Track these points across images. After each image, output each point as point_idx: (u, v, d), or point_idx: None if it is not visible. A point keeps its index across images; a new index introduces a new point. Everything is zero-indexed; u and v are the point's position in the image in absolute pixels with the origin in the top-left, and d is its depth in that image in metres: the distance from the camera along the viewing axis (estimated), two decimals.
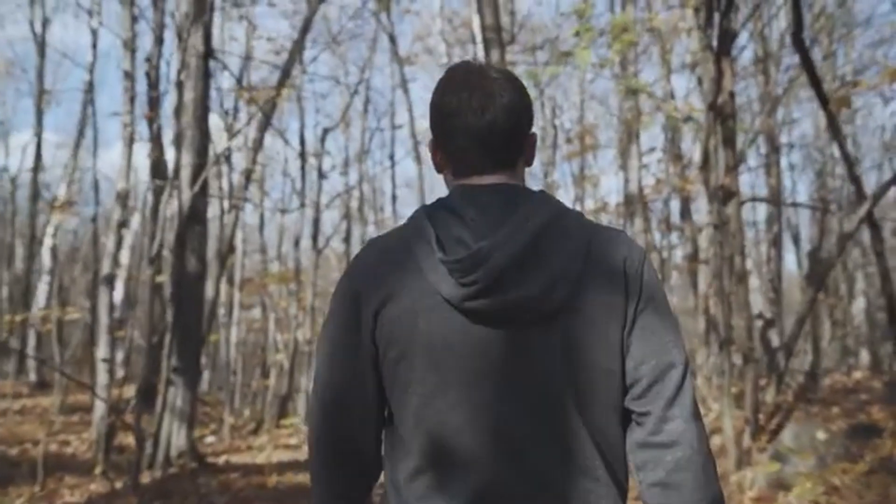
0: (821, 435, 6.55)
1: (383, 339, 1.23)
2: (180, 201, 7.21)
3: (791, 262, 28.41)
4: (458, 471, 1.20)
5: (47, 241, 16.40)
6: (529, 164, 1.36)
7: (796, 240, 21.27)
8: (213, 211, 21.17)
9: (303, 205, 15.28)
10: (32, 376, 16.24)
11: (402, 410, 1.24)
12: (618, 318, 1.23)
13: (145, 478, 6.85)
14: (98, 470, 6.42)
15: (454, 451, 1.19)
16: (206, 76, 7.56)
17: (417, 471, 1.23)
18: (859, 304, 20.52)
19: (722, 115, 7.80)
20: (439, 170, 1.38)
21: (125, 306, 15.77)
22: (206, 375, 23.69)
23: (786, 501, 6.16)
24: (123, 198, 9.10)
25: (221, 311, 16.29)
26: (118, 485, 6.28)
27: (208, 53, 7.48)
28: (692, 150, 16.47)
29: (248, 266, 28.17)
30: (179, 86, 7.26)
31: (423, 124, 33.34)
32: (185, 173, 7.37)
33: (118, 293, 15.90)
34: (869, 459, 6.12)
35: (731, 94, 7.79)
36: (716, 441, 8.58)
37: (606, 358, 1.22)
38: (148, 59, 8.54)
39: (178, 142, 7.47)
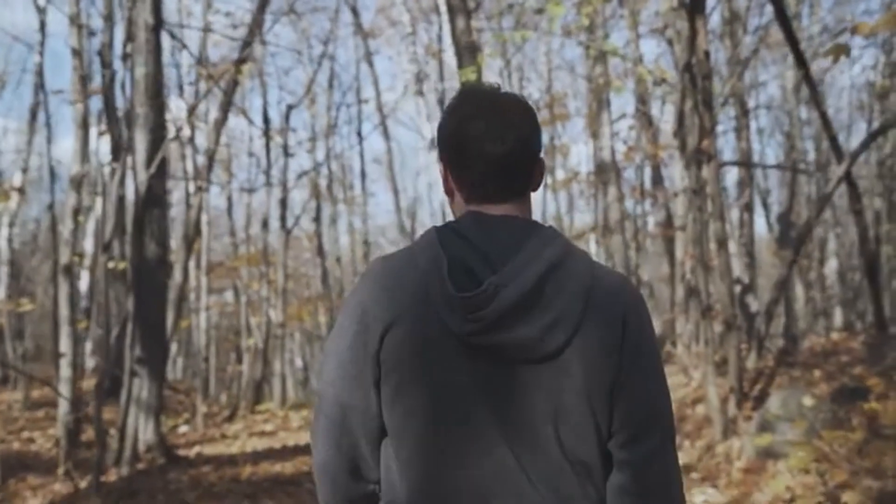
0: (807, 401, 6.40)
1: (387, 361, 1.24)
2: (136, 184, 6.84)
3: (760, 226, 28.49)
4: (443, 497, 1.22)
5: (3, 232, 15.86)
6: (536, 189, 1.38)
7: (765, 204, 21.32)
8: (179, 195, 20.75)
9: (269, 183, 14.88)
10: None
11: (399, 434, 1.25)
12: (611, 365, 1.25)
13: (112, 476, 6.54)
14: (61, 470, 6.10)
15: (446, 479, 1.22)
16: (157, 50, 7.15)
17: (407, 487, 1.24)
18: (831, 266, 20.61)
19: (698, 75, 7.57)
20: (450, 194, 1.38)
21: (91, 296, 15.35)
22: (179, 362, 23.34)
23: (776, 470, 6.02)
24: (78, 182, 8.67)
25: (193, 296, 15.86)
26: (83, 484, 5.97)
27: (158, 25, 7.06)
28: (663, 116, 16.33)
29: (219, 249, 27.74)
30: (125, 59, 6.83)
31: (390, 97, 32.84)
32: (140, 154, 6.99)
33: (83, 282, 15.49)
34: (857, 423, 6.00)
35: (706, 54, 7.54)
36: (699, 411, 8.46)
37: (597, 403, 1.24)
38: (92, 34, 8.05)
39: (129, 121, 7.08)
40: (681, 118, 8.41)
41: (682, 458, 7.01)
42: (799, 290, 19.75)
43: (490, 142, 1.28)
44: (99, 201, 13.73)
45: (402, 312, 1.23)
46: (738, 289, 11.26)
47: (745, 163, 12.90)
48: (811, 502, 4.98)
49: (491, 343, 1.21)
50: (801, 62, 7.54)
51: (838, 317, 20.31)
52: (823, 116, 7.94)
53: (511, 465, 1.21)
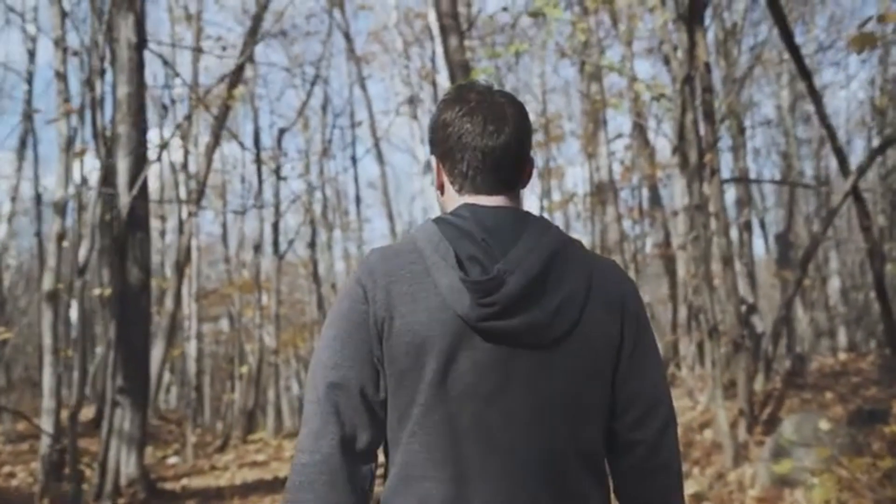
0: (823, 425, 6.10)
1: (393, 347, 1.25)
2: (117, 207, 6.57)
3: (758, 247, 28.28)
4: (453, 479, 1.23)
5: None
6: (525, 185, 1.41)
7: (763, 224, 21.10)
8: (173, 222, 20.46)
9: (260, 206, 14.59)
10: None
11: (404, 417, 1.26)
12: (613, 347, 1.30)
13: None
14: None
15: (451, 460, 1.23)
16: (139, 68, 6.90)
17: (412, 475, 1.25)
18: (834, 285, 20.34)
19: (698, 87, 7.35)
20: (441, 188, 1.41)
21: (81, 324, 15.01)
22: (174, 391, 22.92)
23: (793, 500, 5.70)
24: (61, 208, 8.37)
25: (187, 323, 15.52)
26: None
27: (141, 43, 6.82)
28: (657, 136, 16.12)
29: (214, 277, 27.44)
30: (101, 76, 6.57)
31: (384, 121, 32.66)
32: (122, 176, 6.72)
33: (73, 311, 15.15)
34: (878, 448, 5.68)
35: (706, 65, 7.33)
36: (707, 435, 8.12)
37: (600, 385, 1.29)
38: (76, 53, 7.80)
39: (111, 142, 6.82)
40: (681, 133, 8.17)
41: (692, 487, 6.67)
42: (800, 310, 19.43)
43: (486, 135, 1.32)
44: (88, 229, 13.48)
45: (406, 298, 1.25)
46: (742, 308, 10.98)
47: (749, 178, 12.66)
48: None
49: (501, 328, 1.23)
50: (804, 73, 7.31)
51: (842, 337, 20.01)
52: (829, 128, 7.69)
53: (513, 445, 1.24)
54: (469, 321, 1.22)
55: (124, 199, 6.58)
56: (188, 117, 8.69)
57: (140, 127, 6.88)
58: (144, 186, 6.86)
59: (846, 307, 20.68)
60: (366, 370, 1.26)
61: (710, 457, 7.47)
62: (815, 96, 7.69)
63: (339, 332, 1.28)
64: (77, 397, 6.36)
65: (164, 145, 7.94)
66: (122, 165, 6.75)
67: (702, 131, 7.36)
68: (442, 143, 1.36)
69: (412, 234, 1.32)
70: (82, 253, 6.57)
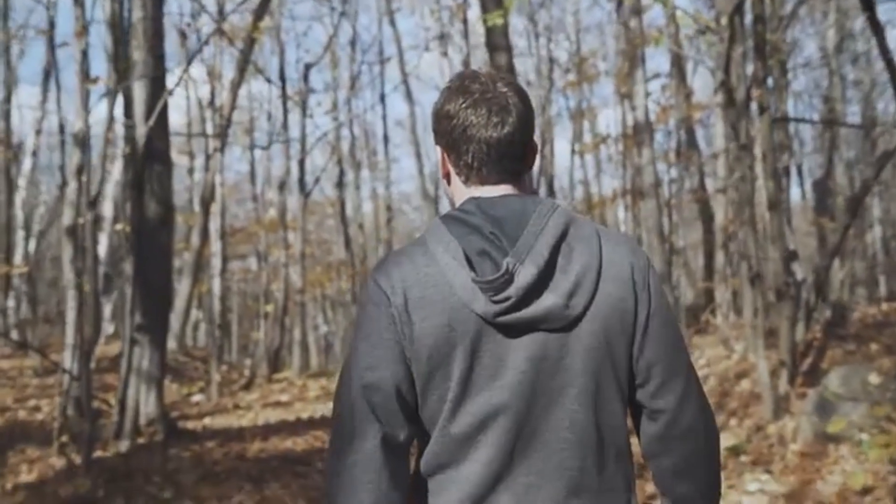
0: (873, 378, 5.77)
1: (417, 351, 1.27)
2: (135, 138, 6.30)
3: (794, 194, 27.51)
4: (484, 467, 1.27)
5: (20, 195, 15.52)
6: (530, 169, 1.44)
7: (798, 170, 20.42)
8: (201, 160, 20.26)
9: (285, 141, 14.27)
10: (15, 335, 15.48)
11: (436, 413, 1.30)
12: (629, 320, 1.32)
13: (112, 449, 6.08)
14: (55, 445, 5.65)
15: (483, 445, 1.27)
16: None
17: (443, 466, 1.30)
18: (875, 233, 19.73)
19: (747, 18, 6.85)
20: (447, 177, 1.43)
21: (111, 260, 14.98)
22: (202, 328, 23.07)
23: (838, 455, 5.40)
24: (81, 140, 8.10)
25: (213, 261, 15.41)
26: (78, 460, 5.51)
27: None
28: (696, 75, 15.43)
29: (241, 215, 27.39)
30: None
31: (413, 57, 31.98)
32: (139, 106, 6.43)
33: (102, 247, 15.12)
34: None
35: None
36: (744, 386, 7.83)
37: (618, 358, 1.31)
38: None
39: (124, 68, 6.51)
40: (727, 67, 7.66)
41: (729, 440, 6.41)
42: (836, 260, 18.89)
43: (490, 127, 1.33)
44: (118, 163, 13.28)
45: (421, 300, 1.27)
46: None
47: (801, 118, 12.07)
48: (887, 495, 4.37)
49: (518, 319, 1.25)
50: (867, 2, 6.76)
51: (882, 287, 19.51)
52: (889, 63, 7.15)
53: (542, 430, 1.28)
54: (487, 318, 1.25)
55: (141, 130, 6.30)
56: (205, 43, 8.27)
57: (156, 54, 6.55)
58: (164, 117, 6.56)
59: (887, 256, 20.11)
60: (399, 370, 1.28)
61: (748, 408, 7.19)
62: (877, 28, 7.14)
63: (368, 335, 1.30)
64: (91, 333, 6.19)
65: (184, 71, 7.59)
66: (139, 94, 6.45)
67: (750, 66, 6.87)
68: (446, 134, 1.37)
69: (423, 236, 1.34)
70: (95, 184, 6.32)
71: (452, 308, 1.25)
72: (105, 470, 5.31)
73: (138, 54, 6.43)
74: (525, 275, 1.24)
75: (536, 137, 1.45)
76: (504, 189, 1.37)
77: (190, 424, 7.69)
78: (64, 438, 5.91)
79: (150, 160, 6.46)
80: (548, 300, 1.25)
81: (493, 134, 1.33)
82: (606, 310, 1.29)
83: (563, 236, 1.29)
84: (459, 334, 1.25)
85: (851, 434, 5.59)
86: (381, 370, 1.27)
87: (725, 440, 6.46)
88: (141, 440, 6.19)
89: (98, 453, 5.75)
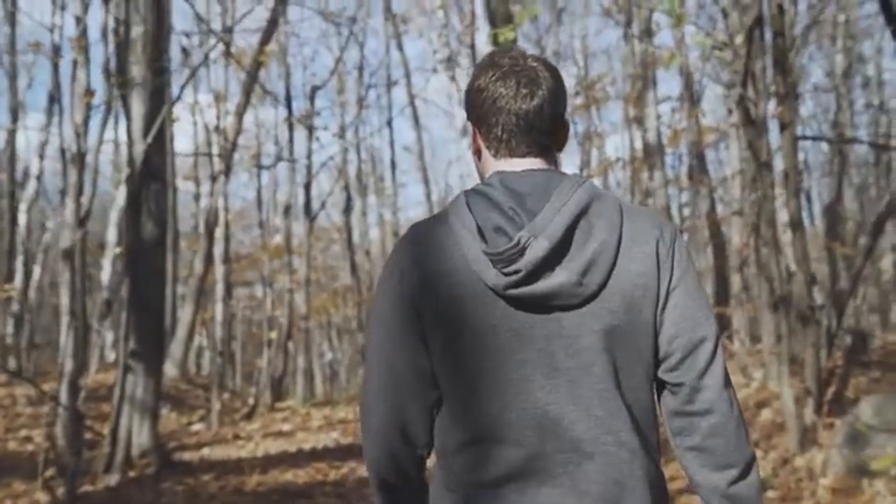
0: None
1: (431, 322, 1.28)
2: (132, 155, 6.06)
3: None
4: (502, 445, 1.26)
5: (21, 218, 15.33)
6: (561, 148, 1.42)
7: (807, 195, 20.15)
8: (206, 188, 20.09)
9: (290, 161, 14.03)
10: (12, 363, 15.19)
11: (452, 389, 1.30)
12: (651, 296, 1.30)
13: (101, 483, 5.76)
14: (40, 479, 5.34)
15: (499, 426, 1.26)
16: (158, 5, 6.34)
17: (464, 444, 1.29)
18: (888, 260, 19.39)
19: (768, 31, 6.61)
20: (478, 153, 1.43)
21: (114, 286, 14.73)
22: (206, 355, 22.73)
23: (874, 492, 5.06)
24: (79, 160, 7.90)
25: (217, 286, 15.16)
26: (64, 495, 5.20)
27: None
28: (706, 100, 15.24)
29: (248, 242, 27.19)
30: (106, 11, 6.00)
31: (420, 80, 31.94)
32: (137, 122, 6.20)
33: (105, 273, 14.88)
34: None
35: (780, 7, 6.58)
36: (766, 416, 7.47)
37: (640, 335, 1.29)
38: None
39: (120, 85, 6.29)
40: (745, 83, 7.41)
41: None
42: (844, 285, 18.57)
43: (519, 98, 1.33)
44: (122, 188, 13.06)
45: (438, 271, 1.28)
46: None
47: (818, 137, 11.81)
48: None
49: (529, 294, 1.25)
50: (891, 16, 6.52)
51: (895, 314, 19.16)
52: None
53: (558, 407, 1.26)
54: (497, 290, 1.24)
55: (139, 148, 6.06)
56: (206, 57, 8.00)
57: (156, 69, 6.33)
58: (162, 134, 6.33)
59: None
60: (413, 344, 1.30)
61: (771, 439, 6.84)
62: None
63: (384, 314, 1.32)
64: (78, 362, 5.90)
65: (183, 86, 7.38)
66: (137, 111, 6.23)
67: (772, 81, 6.62)
68: (477, 107, 1.37)
69: (445, 209, 1.35)
70: (84, 203, 6.07)
71: (468, 281, 1.26)
72: None
73: (137, 69, 6.21)
74: (536, 248, 1.22)
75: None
76: (531, 162, 1.36)
77: (187, 455, 7.36)
78: (50, 472, 5.59)
79: (147, 179, 6.22)
80: (560, 276, 1.24)
81: (523, 105, 1.33)
82: (626, 286, 1.27)
83: (583, 212, 1.27)
84: (474, 307, 1.26)
85: (887, 468, 5.25)
86: (398, 347, 1.30)
87: None
88: (133, 473, 5.87)
89: (86, 488, 5.45)
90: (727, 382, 1.32)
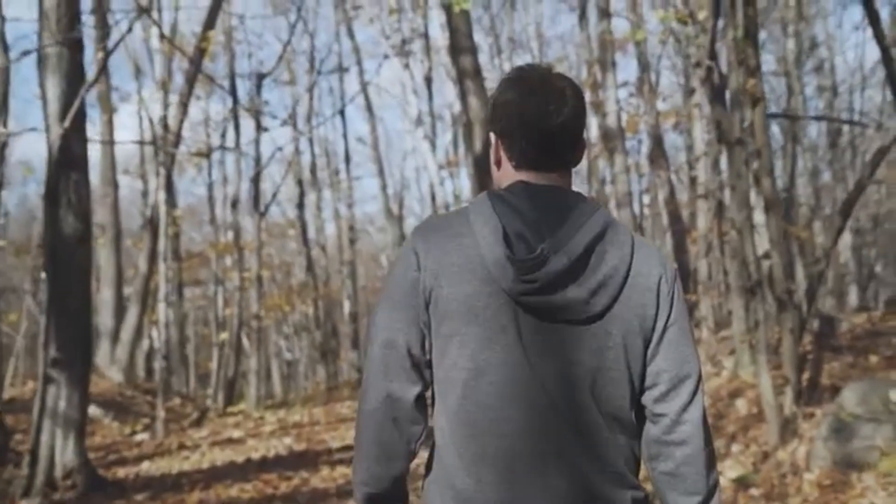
0: (895, 395, 5.10)
1: (439, 313, 1.32)
2: (48, 142, 5.45)
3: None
4: (494, 438, 1.31)
5: None
6: (577, 164, 1.48)
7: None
8: (154, 183, 19.28)
9: (235, 150, 13.35)
10: None
11: (449, 382, 1.33)
12: (647, 327, 1.37)
13: None
14: None
15: (492, 420, 1.31)
16: None
17: (457, 432, 1.32)
18: (845, 240, 19.40)
19: (738, 4, 6.24)
20: (498, 163, 1.47)
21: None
22: (159, 360, 21.86)
23: (864, 486, 4.71)
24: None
25: (169, 286, 14.41)
26: None
27: None
28: (658, 86, 14.99)
29: (200, 239, 26.31)
30: None
31: (372, 66, 31.17)
32: (53, 105, 5.58)
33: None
34: None
35: None
36: (741, 406, 7.12)
37: (633, 362, 1.36)
38: None
39: (40, 64, 5.66)
40: (712, 55, 7.03)
41: (734, 468, 5.68)
42: (799, 269, 18.48)
43: (548, 115, 1.37)
44: None
45: (454, 263, 1.32)
46: (767, 264, 9.94)
47: (790, 115, 11.55)
48: None
49: (541, 303, 1.30)
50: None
51: (853, 296, 19.19)
52: (886, 52, 6.59)
53: (547, 411, 1.32)
54: (512, 295, 1.30)
55: (55, 131, 5.45)
56: (129, 30, 7.21)
57: (73, 45, 5.70)
58: (80, 117, 5.71)
59: (857, 264, 19.81)
60: (413, 332, 1.33)
61: (748, 432, 6.49)
62: (874, 16, 6.59)
63: (391, 296, 1.36)
64: None
65: (107, 55, 6.74)
66: (52, 92, 5.60)
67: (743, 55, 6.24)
68: (502, 121, 1.42)
69: (466, 207, 1.40)
70: None
71: (481, 280, 1.30)
72: None
73: (52, 48, 5.59)
74: (556, 263, 1.29)
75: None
76: (553, 178, 1.41)
77: (122, 472, 6.76)
78: None
79: (65, 168, 5.61)
80: (572, 292, 1.30)
81: (549, 123, 1.37)
82: (627, 314, 1.34)
83: (599, 237, 1.34)
84: (482, 306, 1.30)
85: (875, 459, 4.92)
86: (396, 331, 1.33)
87: (730, 470, 5.75)
88: (56, 496, 5.26)
89: None
90: (705, 419, 1.40)
